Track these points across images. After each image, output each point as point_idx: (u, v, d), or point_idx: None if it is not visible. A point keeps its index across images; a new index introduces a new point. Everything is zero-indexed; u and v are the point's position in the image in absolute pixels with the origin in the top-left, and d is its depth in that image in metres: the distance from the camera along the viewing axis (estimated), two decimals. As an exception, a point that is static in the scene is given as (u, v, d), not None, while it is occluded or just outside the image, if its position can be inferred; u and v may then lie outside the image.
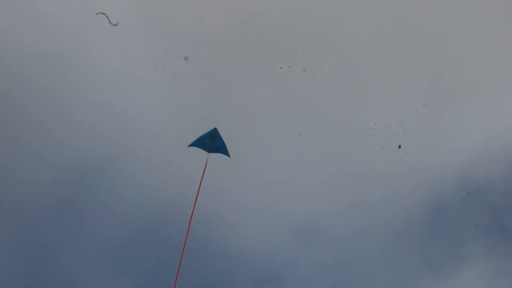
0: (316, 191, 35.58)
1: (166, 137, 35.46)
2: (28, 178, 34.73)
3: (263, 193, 35.48)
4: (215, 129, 30.21)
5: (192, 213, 29.63)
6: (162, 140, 35.52)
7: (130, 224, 34.84)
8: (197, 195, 29.72)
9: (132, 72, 35.61)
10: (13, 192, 34.54)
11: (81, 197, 34.94)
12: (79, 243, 34.62)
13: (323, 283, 35.37)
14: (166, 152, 35.20)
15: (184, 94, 35.81)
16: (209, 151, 30.10)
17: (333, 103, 36.01)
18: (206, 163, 29.87)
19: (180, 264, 29.47)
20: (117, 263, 34.83)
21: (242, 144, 34.54)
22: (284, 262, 35.48)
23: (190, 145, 30.06)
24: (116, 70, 35.62)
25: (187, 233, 29.52)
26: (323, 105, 35.98)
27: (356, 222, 35.76)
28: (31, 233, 34.54)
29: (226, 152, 30.27)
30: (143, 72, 35.64)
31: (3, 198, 34.48)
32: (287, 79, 35.63)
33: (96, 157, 35.22)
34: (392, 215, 35.98)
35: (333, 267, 35.42)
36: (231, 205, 35.34)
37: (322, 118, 36.03)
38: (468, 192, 36.33)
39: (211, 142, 30.06)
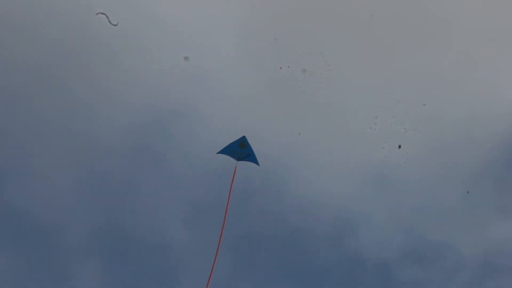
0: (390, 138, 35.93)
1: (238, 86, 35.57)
2: (107, 119, 34.86)
3: (337, 142, 35.68)
4: (244, 137, 30.02)
5: (225, 217, 29.65)
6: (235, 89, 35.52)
7: (207, 168, 34.67)
8: (228, 200, 29.69)
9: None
10: (93, 132, 34.70)
11: (159, 141, 35.08)
12: (156, 187, 34.81)
13: (397, 231, 35.79)
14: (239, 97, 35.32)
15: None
16: (238, 159, 29.95)
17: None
18: (235, 171, 29.81)
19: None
20: (193, 207, 35.12)
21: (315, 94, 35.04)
22: (359, 211, 35.71)
23: (219, 152, 29.97)
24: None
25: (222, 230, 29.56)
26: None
27: (431, 169, 35.87)
28: (109, 174, 34.80)
29: (255, 160, 30.08)
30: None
31: (80, 139, 34.44)
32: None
33: (174, 102, 35.31)
34: (468, 160, 36.01)
35: (407, 214, 35.78)
36: (305, 156, 35.52)
37: (395, 65, 36.06)
38: (468, 192, 36.02)
39: (240, 149, 29.95)
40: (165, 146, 35.32)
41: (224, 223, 29.58)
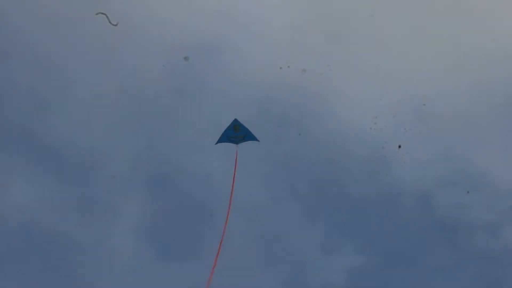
0: (435, 73, 36.21)
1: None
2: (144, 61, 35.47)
3: (375, 78, 36.05)
4: (236, 120, 30.22)
5: (229, 204, 30.04)
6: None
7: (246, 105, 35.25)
8: (232, 185, 30.10)
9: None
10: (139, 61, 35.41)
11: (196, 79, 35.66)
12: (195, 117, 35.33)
13: (437, 162, 36.07)
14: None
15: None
16: (237, 143, 30.25)
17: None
18: (236, 155, 30.07)
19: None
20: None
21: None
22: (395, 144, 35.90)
23: (217, 143, 30.28)
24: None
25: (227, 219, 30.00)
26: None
27: (473, 104, 36.26)
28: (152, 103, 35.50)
29: (253, 138, 30.31)
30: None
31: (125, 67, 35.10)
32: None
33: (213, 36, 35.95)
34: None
35: (447, 146, 36.13)
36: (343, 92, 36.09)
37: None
38: (468, 192, 36.00)
39: (236, 133, 30.18)
40: (204, 78, 36.19)
41: (230, 203, 30.26)
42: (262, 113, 35.97)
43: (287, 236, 35.13)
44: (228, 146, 31.28)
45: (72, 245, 33.80)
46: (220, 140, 30.27)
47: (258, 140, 30.42)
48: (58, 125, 35.07)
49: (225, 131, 30.23)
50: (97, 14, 33.18)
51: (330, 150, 36.14)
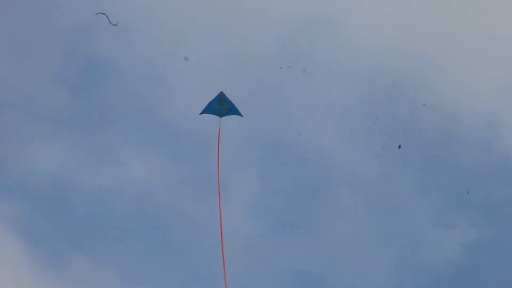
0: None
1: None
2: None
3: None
4: (222, 93, 30.35)
5: (218, 175, 30.09)
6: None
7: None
8: (218, 159, 30.12)
9: None
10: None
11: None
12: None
13: None
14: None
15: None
16: (221, 116, 30.36)
17: None
18: (219, 128, 30.17)
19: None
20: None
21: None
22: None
23: (201, 113, 30.37)
24: None
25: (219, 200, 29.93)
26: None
27: None
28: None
29: (238, 113, 30.39)
30: None
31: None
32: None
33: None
34: None
35: None
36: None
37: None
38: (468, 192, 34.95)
39: (221, 106, 30.27)
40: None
41: (218, 180, 30.07)
42: (373, 83, 35.69)
43: (399, 211, 34.82)
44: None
45: (185, 220, 34.32)
46: (204, 111, 30.40)
47: (242, 116, 30.54)
48: (175, 102, 35.56)
49: (210, 102, 30.32)
50: (97, 14, 33.22)
51: (443, 119, 35.58)
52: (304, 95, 35.72)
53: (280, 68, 35.00)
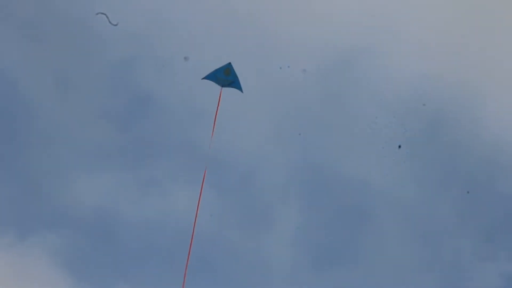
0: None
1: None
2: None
3: None
4: (230, 63, 29.92)
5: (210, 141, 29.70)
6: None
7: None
8: (213, 130, 29.69)
9: None
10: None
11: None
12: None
13: None
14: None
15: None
16: (222, 85, 29.89)
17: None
18: (220, 96, 29.69)
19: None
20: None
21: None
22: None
23: (204, 78, 29.89)
24: None
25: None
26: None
27: None
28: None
29: (239, 87, 29.97)
30: None
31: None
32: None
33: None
34: None
35: None
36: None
37: None
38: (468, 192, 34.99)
39: (225, 76, 29.84)
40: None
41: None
42: (412, 112, 35.76)
43: (439, 238, 34.80)
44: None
45: (229, 251, 34.50)
46: (207, 77, 29.96)
47: (242, 91, 30.11)
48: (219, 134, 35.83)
49: (216, 70, 29.90)
50: (97, 14, 33.08)
51: (484, 148, 35.55)
52: (345, 125, 35.97)
53: (280, 68, 34.92)
